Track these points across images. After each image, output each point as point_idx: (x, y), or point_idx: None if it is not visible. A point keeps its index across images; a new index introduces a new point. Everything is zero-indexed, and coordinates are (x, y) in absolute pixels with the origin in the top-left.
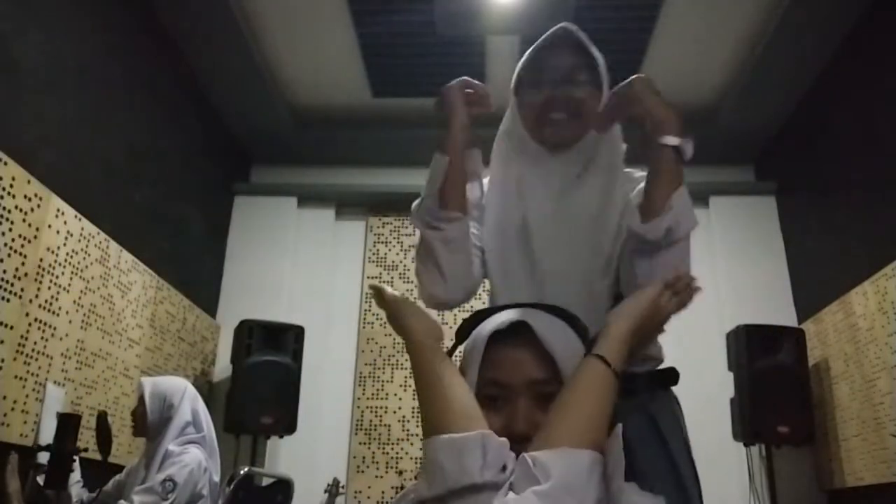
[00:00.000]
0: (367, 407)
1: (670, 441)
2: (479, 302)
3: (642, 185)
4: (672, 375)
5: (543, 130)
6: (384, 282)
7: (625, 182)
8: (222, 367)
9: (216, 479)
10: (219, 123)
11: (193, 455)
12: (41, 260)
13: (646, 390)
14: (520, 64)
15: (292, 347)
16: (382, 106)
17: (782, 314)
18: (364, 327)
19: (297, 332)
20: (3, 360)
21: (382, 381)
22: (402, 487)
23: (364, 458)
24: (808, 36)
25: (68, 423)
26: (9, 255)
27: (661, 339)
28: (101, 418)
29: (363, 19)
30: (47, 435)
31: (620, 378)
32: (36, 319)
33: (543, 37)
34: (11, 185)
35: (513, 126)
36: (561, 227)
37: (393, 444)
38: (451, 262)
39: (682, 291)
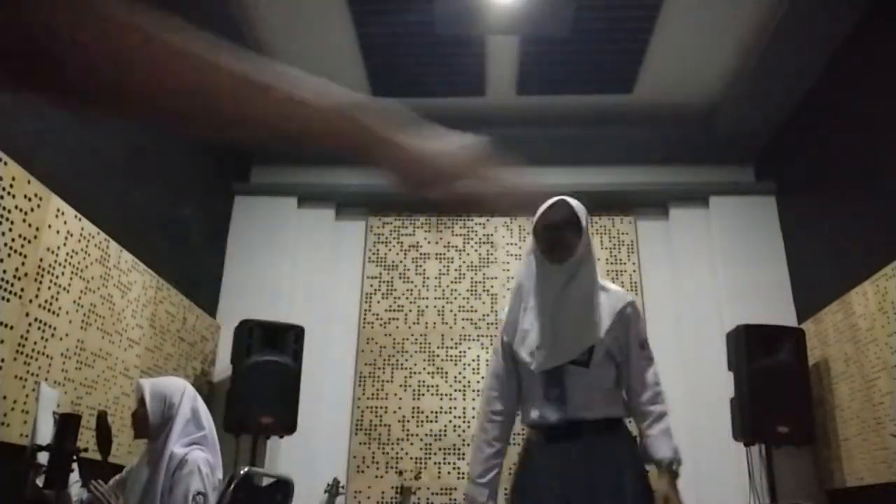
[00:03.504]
0: (367, 407)
1: (622, 471)
2: None
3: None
4: (609, 424)
5: (550, 255)
6: (384, 282)
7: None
8: (222, 367)
9: (219, 476)
10: None
11: (200, 457)
12: (41, 260)
13: (590, 434)
14: (538, 213)
15: (292, 347)
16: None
17: (782, 314)
18: (364, 327)
19: (297, 332)
20: (3, 360)
21: (382, 381)
22: (401, 487)
23: (364, 458)
24: (808, 36)
25: (68, 423)
26: (9, 255)
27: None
28: (101, 418)
29: (363, 19)
30: (43, 435)
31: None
32: (36, 319)
33: (551, 201)
34: (11, 185)
35: (534, 248)
36: (556, 312)
37: (393, 444)
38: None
39: None
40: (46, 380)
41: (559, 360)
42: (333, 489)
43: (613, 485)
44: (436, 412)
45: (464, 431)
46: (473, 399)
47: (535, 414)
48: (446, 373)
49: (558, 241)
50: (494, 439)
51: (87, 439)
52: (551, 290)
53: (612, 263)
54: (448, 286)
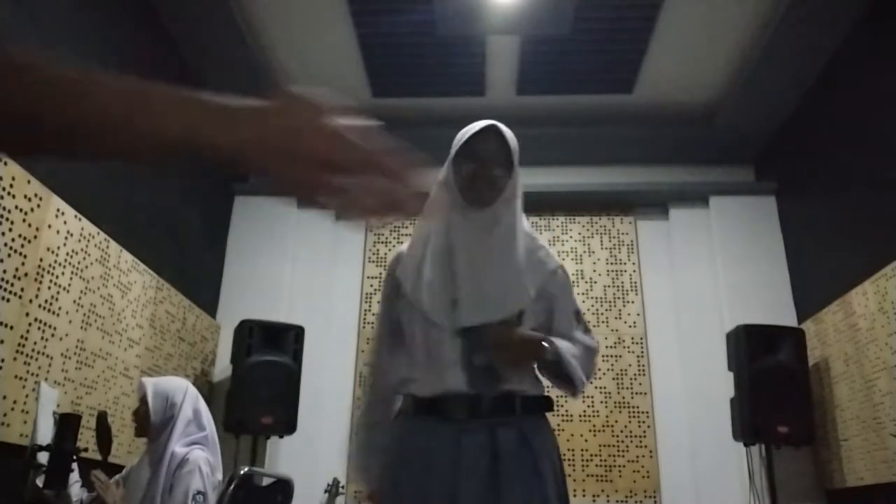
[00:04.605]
0: None
1: (540, 458)
2: None
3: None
4: (547, 403)
5: (470, 194)
6: (384, 282)
7: (528, 240)
8: (222, 367)
9: (219, 476)
10: None
11: (201, 457)
12: (41, 260)
13: (522, 412)
14: (459, 140)
15: (292, 347)
16: (382, 106)
17: (782, 314)
18: (364, 327)
19: (297, 332)
20: (3, 360)
21: None
22: None
23: None
24: (808, 36)
25: (68, 423)
26: (9, 255)
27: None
28: (101, 418)
29: (363, 19)
30: (43, 435)
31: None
32: (36, 319)
33: (477, 125)
34: (11, 185)
35: (447, 180)
36: (477, 261)
37: None
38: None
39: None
40: (46, 380)
41: (489, 317)
42: (333, 489)
43: (547, 475)
44: None
45: None
46: None
47: (451, 382)
48: None
49: (484, 181)
50: (384, 419)
51: (87, 439)
52: (468, 236)
53: (612, 263)
54: None
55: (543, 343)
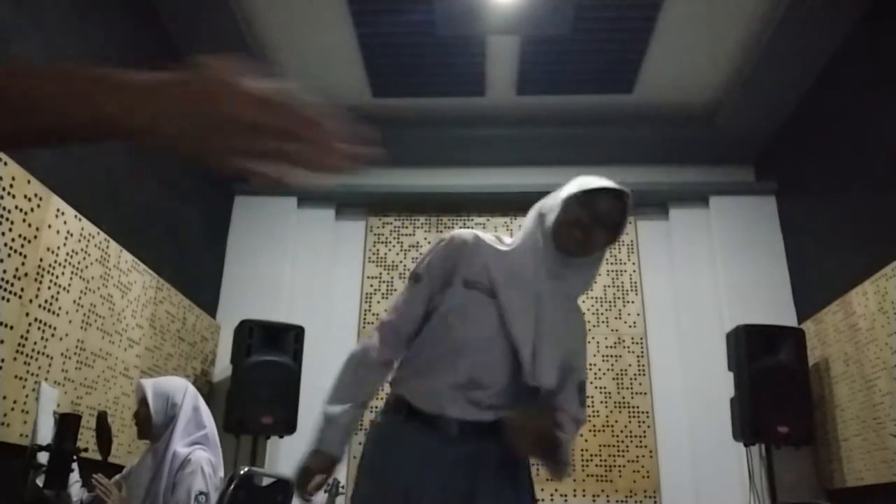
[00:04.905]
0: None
1: (520, 469)
2: None
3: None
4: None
5: (563, 238)
6: (384, 282)
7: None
8: (222, 367)
9: (221, 475)
10: None
11: (203, 457)
12: (41, 260)
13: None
14: (582, 183)
15: (292, 347)
16: (382, 106)
17: (782, 314)
18: (364, 327)
19: (297, 332)
20: (3, 360)
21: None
22: None
23: None
24: (808, 36)
25: (68, 423)
26: (9, 255)
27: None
28: (101, 418)
29: (363, 19)
30: (43, 435)
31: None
32: (36, 319)
33: (612, 184)
34: (11, 185)
35: (550, 213)
36: (556, 322)
37: None
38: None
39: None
40: (46, 380)
41: (544, 384)
42: (333, 489)
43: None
44: None
45: None
46: None
47: (449, 407)
48: None
49: (587, 238)
50: (382, 368)
51: (87, 439)
52: (538, 277)
53: (612, 263)
54: None
55: (553, 437)
